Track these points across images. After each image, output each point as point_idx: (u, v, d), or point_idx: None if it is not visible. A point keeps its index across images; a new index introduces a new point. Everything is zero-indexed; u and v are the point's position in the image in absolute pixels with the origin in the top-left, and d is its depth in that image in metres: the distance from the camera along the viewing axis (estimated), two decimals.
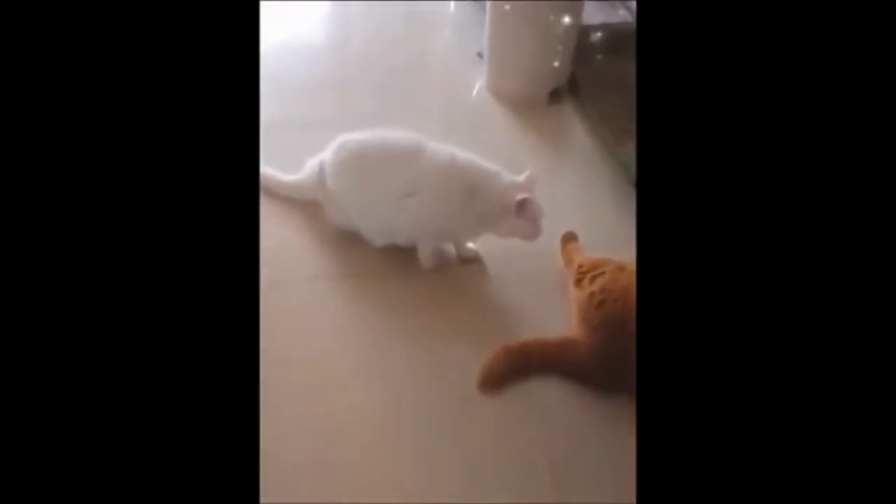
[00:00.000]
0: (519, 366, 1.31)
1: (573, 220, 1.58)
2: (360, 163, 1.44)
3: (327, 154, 1.49)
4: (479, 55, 2.14)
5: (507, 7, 1.89)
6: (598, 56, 2.08)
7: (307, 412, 1.21)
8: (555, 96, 2.04)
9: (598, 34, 2.13)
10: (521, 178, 1.40)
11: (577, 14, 1.93)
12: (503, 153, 1.67)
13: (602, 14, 2.37)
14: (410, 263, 1.50)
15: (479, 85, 2.10)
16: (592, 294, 1.30)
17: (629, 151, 1.75)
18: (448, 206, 1.40)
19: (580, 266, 1.37)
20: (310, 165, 1.55)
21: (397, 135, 1.45)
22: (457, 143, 1.46)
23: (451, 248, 1.55)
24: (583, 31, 2.03)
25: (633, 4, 2.41)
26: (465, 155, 1.41)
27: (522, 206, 1.35)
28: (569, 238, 1.53)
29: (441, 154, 1.40)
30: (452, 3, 2.60)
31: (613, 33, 2.18)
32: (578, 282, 1.35)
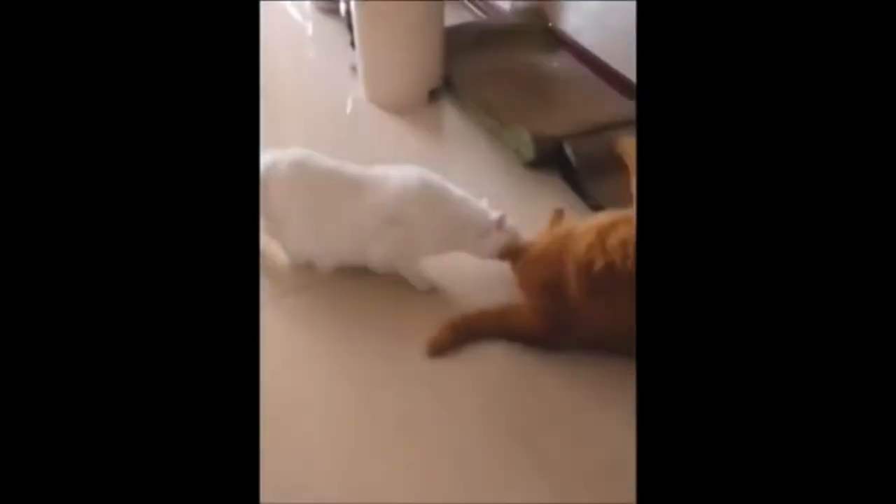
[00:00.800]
0: (464, 336, 1.36)
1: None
2: (318, 186, 1.39)
3: (268, 170, 1.39)
4: (353, 69, 2.16)
5: (374, 19, 1.92)
6: (469, 53, 2.15)
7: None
8: (433, 95, 2.09)
9: (464, 33, 2.21)
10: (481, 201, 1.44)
11: (439, 17, 2.01)
12: (396, 155, 1.70)
13: (459, 16, 2.47)
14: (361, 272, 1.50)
15: (352, 97, 2.12)
16: (530, 261, 1.35)
17: (517, 133, 1.82)
18: (432, 230, 1.40)
19: (516, 246, 1.42)
20: None
21: (340, 163, 1.43)
22: (349, 154, 1.47)
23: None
24: (449, 32, 2.10)
25: (485, 5, 2.53)
26: (429, 175, 1.42)
27: (502, 222, 1.39)
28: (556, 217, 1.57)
29: (410, 178, 1.39)
30: (310, 25, 2.60)
31: (478, 31, 2.27)
32: (514, 258, 1.40)
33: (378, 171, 1.43)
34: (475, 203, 1.42)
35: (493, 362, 1.34)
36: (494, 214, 1.40)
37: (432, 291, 1.48)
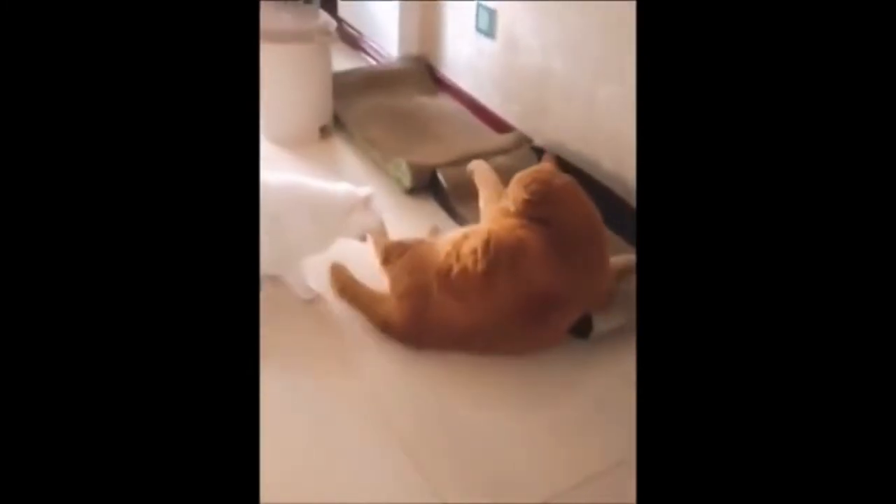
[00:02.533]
0: (340, 289, 1.63)
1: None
2: None
3: None
4: None
5: (269, 62, 2.12)
6: (356, 94, 2.38)
7: None
8: (324, 132, 2.30)
9: (350, 77, 2.44)
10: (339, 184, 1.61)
11: (327, 61, 2.23)
12: None
13: (350, 62, 2.71)
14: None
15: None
16: (399, 266, 1.56)
17: (398, 165, 2.05)
18: (302, 217, 1.54)
19: (386, 247, 1.63)
20: None
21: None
22: None
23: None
24: (337, 75, 2.33)
25: (374, 51, 2.78)
26: (284, 176, 1.60)
27: (369, 201, 1.57)
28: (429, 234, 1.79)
29: (274, 179, 1.55)
30: None
31: (365, 74, 2.52)
32: (385, 261, 1.61)
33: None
34: (336, 186, 1.60)
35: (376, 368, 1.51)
36: (362, 192, 1.57)
37: (315, 301, 1.65)
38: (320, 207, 1.57)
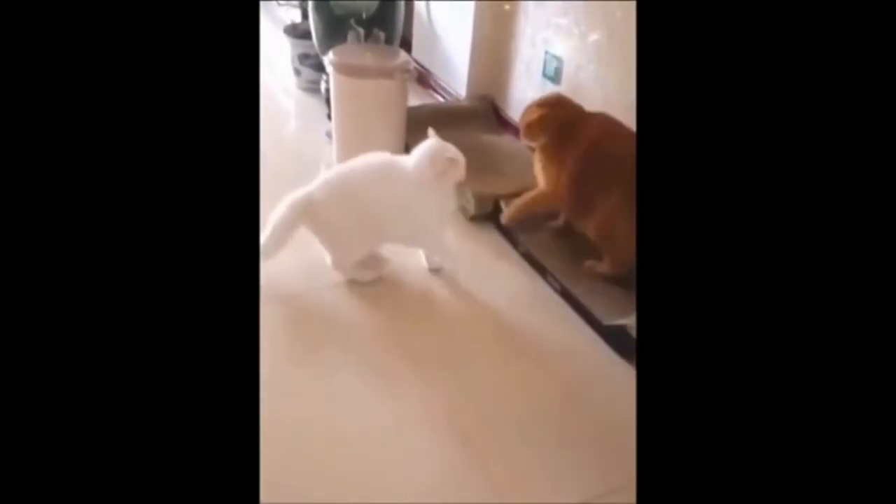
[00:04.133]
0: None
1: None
2: (344, 193, 1.80)
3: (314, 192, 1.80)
4: (328, 135, 2.55)
5: (349, 94, 2.34)
6: (425, 127, 2.57)
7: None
8: None
9: (421, 111, 2.64)
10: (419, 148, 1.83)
11: (404, 95, 2.43)
12: None
13: (419, 99, 2.92)
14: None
15: (325, 161, 2.51)
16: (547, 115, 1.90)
17: (463, 193, 2.22)
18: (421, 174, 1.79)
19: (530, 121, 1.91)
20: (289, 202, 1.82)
21: (366, 158, 1.84)
22: None
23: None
24: (411, 109, 2.53)
25: (443, 90, 2.98)
26: (385, 155, 1.86)
27: (453, 160, 1.79)
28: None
29: (400, 160, 1.84)
30: (293, 100, 3.02)
31: (433, 110, 2.71)
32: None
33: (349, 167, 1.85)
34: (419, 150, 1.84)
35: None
36: (446, 152, 1.80)
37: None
38: (421, 174, 1.80)
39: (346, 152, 2.46)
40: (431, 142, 1.84)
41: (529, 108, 1.96)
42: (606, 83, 2.22)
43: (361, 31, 2.53)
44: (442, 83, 3.03)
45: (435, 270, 1.95)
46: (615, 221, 1.76)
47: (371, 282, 1.87)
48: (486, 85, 2.83)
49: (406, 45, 3.09)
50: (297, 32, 2.98)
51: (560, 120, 1.88)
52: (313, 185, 1.82)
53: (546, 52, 2.46)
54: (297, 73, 3.06)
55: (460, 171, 1.82)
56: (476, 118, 2.71)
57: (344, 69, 2.29)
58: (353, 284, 1.87)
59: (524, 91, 2.64)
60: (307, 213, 1.79)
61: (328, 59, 2.32)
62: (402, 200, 1.80)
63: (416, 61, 3.14)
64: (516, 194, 2.18)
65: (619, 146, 1.77)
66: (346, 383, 1.55)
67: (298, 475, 1.29)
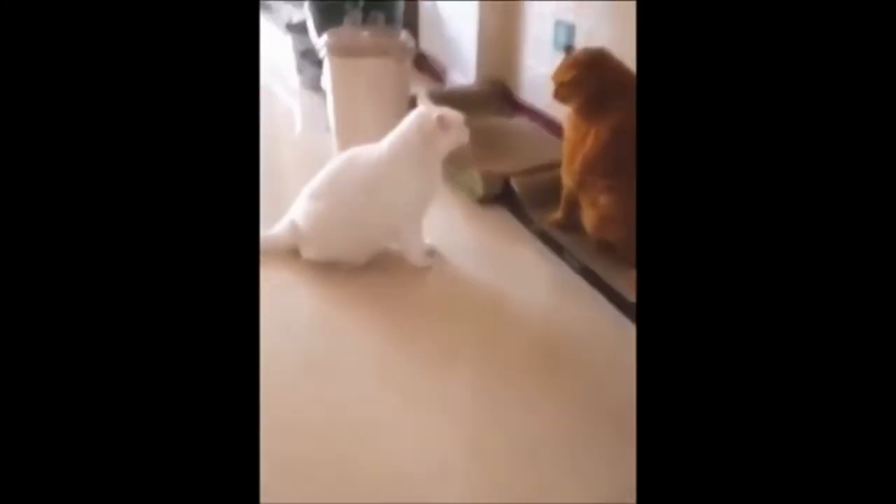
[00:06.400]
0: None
1: (439, 234, 1.82)
2: (330, 192, 1.66)
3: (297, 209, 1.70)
4: (327, 128, 2.40)
5: (345, 74, 2.18)
6: None
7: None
8: None
9: (432, 97, 2.46)
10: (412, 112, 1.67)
11: (405, 78, 2.26)
12: None
13: (423, 86, 2.76)
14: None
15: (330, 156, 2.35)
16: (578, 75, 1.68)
17: (470, 175, 2.03)
18: (398, 180, 1.62)
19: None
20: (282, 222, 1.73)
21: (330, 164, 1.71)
22: None
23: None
24: (411, 98, 2.35)
25: (451, 77, 2.82)
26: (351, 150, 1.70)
27: (442, 120, 1.59)
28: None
29: (368, 146, 1.68)
30: (298, 100, 2.89)
31: (440, 95, 2.53)
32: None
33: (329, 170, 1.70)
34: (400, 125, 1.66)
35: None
36: (431, 113, 1.61)
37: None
38: (398, 150, 1.62)
39: (346, 142, 2.30)
40: (418, 108, 1.65)
41: (562, 67, 1.71)
42: (623, 45, 2.02)
43: (359, 12, 2.38)
44: (451, 70, 2.86)
45: (431, 252, 1.76)
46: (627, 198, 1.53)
47: (380, 269, 1.70)
48: (496, 68, 2.64)
49: (413, 34, 2.94)
50: (298, 28, 2.87)
51: (596, 81, 1.65)
52: (289, 216, 1.73)
53: (556, 23, 2.27)
54: (300, 71, 2.95)
55: (457, 132, 1.62)
56: (487, 103, 2.52)
57: (338, 50, 2.14)
58: (359, 272, 1.69)
59: (537, 67, 2.45)
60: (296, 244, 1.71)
61: (322, 42, 2.17)
62: (370, 185, 1.62)
63: (424, 52, 2.98)
64: (528, 172, 1.98)
65: None
66: (357, 376, 1.40)
67: (299, 475, 1.17)
